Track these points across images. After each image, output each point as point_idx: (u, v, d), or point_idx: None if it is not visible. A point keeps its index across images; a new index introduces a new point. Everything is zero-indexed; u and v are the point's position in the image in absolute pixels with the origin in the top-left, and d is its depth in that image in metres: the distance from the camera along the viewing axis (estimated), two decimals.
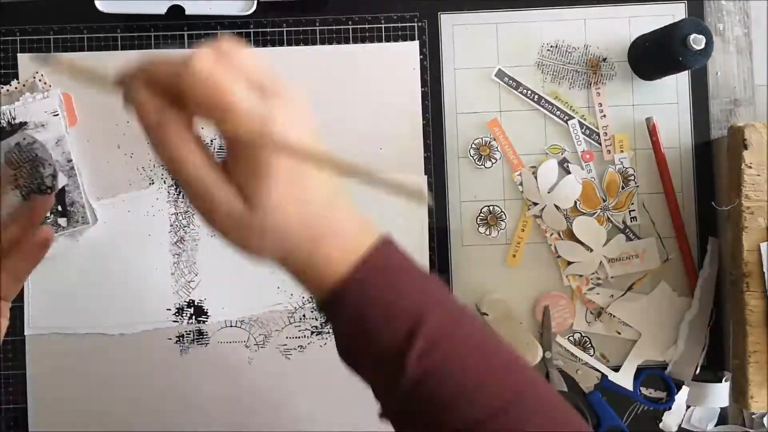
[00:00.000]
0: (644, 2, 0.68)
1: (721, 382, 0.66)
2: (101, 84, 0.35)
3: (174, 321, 0.67)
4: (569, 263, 0.67)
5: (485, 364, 0.39)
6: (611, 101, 0.67)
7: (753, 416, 0.67)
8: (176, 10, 0.66)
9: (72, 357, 0.66)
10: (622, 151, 0.67)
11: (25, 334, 0.66)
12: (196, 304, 0.67)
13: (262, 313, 0.67)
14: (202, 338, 0.67)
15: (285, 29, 0.67)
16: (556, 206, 0.67)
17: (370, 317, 0.38)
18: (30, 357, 0.66)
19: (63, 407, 0.66)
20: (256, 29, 0.67)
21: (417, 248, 0.66)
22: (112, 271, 0.66)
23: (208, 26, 0.67)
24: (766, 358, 0.59)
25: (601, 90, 0.67)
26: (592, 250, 0.66)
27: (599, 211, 0.67)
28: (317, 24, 0.67)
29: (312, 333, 0.67)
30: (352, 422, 0.66)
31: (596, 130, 0.67)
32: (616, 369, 0.67)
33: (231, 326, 0.67)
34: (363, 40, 0.67)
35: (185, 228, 0.67)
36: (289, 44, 0.67)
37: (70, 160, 0.65)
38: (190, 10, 0.66)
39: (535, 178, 0.67)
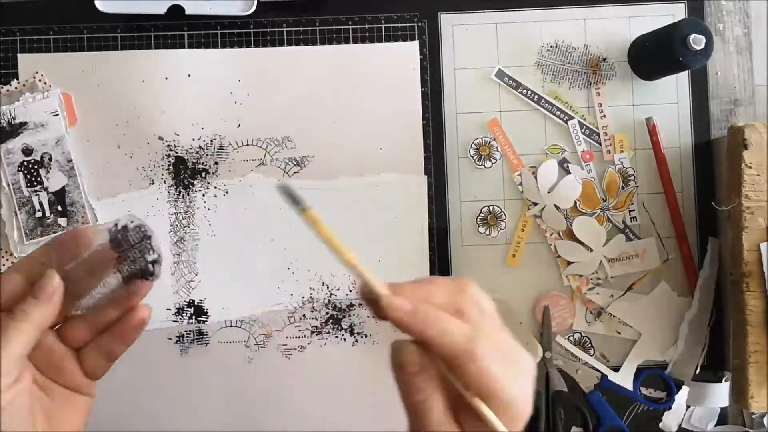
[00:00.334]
0: (644, 2, 0.68)
1: (721, 382, 0.66)
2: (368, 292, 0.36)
3: (174, 321, 0.66)
4: (569, 263, 0.67)
5: None
6: (611, 101, 0.67)
7: (753, 416, 0.67)
8: (176, 10, 0.66)
9: None
10: (622, 151, 0.67)
11: None
12: (196, 304, 0.67)
13: (262, 313, 0.67)
14: (202, 338, 0.67)
15: (285, 29, 0.67)
16: (556, 206, 0.67)
17: None
18: None
19: None
20: (256, 29, 0.67)
21: (417, 248, 0.66)
22: None
23: (208, 26, 0.67)
24: (766, 358, 0.59)
25: (601, 90, 0.67)
26: (592, 250, 0.66)
27: (599, 211, 0.67)
28: (317, 24, 0.67)
29: (312, 333, 0.67)
30: (352, 422, 0.66)
31: (596, 130, 0.67)
32: (616, 369, 0.67)
33: (231, 326, 0.67)
34: (363, 40, 0.67)
35: (185, 228, 0.67)
36: (289, 44, 0.67)
37: (70, 160, 0.65)
38: (190, 10, 0.66)
39: (535, 178, 0.67)
